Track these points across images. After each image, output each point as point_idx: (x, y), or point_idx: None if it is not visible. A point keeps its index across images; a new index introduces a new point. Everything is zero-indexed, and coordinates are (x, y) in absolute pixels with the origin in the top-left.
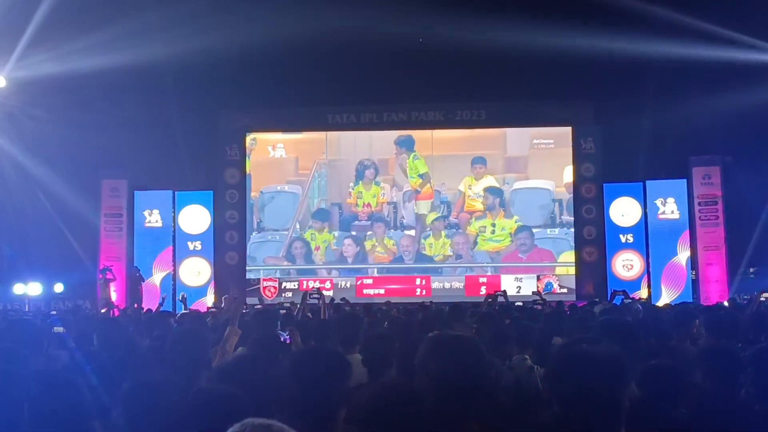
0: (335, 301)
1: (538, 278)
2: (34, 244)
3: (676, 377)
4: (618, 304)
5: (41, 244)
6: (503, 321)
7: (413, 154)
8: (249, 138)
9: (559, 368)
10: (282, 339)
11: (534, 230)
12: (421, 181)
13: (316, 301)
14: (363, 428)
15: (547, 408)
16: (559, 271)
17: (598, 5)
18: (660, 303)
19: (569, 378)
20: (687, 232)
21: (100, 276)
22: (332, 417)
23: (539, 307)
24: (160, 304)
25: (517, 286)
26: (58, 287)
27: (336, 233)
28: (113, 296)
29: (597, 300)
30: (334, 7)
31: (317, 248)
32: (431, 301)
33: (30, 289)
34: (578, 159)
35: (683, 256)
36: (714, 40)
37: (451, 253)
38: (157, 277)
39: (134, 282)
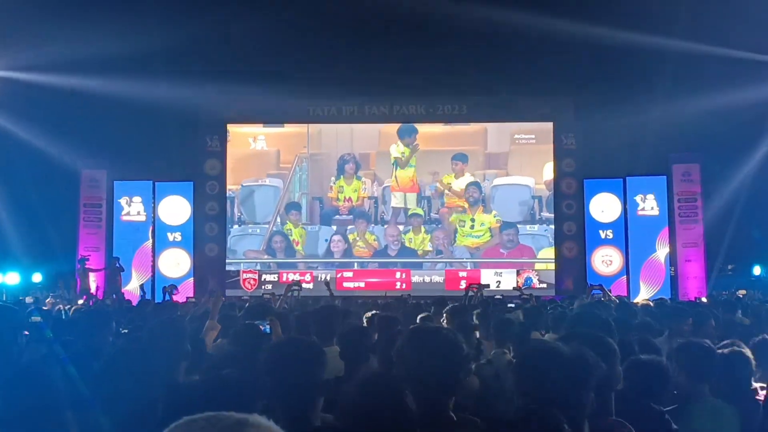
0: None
1: (518, 273)
2: (12, 234)
3: (659, 372)
4: (597, 297)
5: (19, 234)
6: (470, 313)
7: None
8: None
9: (524, 364)
10: (262, 329)
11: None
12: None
13: (296, 294)
14: (347, 420)
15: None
16: (538, 266)
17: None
18: (638, 299)
19: (532, 373)
20: (666, 229)
21: (79, 266)
22: (309, 406)
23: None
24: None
25: (497, 280)
26: (37, 277)
27: (309, 228)
28: (92, 286)
29: (574, 296)
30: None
31: (296, 242)
32: (409, 295)
33: (8, 278)
34: (559, 154)
35: (662, 252)
36: (696, 37)
37: (431, 249)
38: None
39: (113, 272)
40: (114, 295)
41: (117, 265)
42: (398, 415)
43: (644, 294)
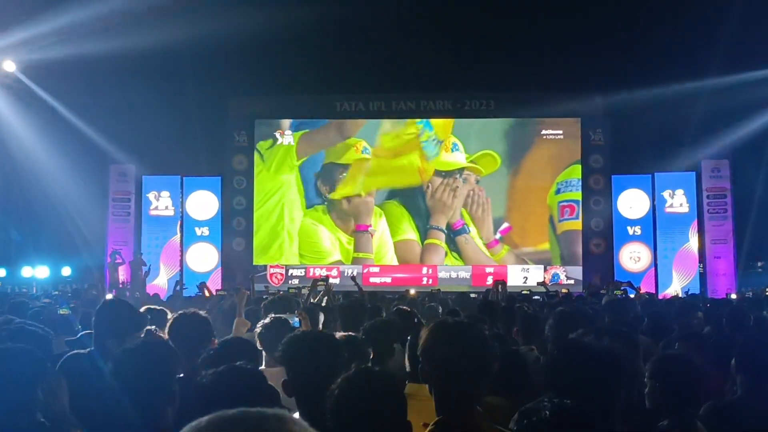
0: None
1: (545, 269)
2: (42, 228)
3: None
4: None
5: (49, 229)
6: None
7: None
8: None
9: (558, 360)
10: (291, 323)
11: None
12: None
13: (323, 289)
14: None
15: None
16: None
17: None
18: (670, 290)
19: (567, 370)
20: (696, 222)
21: (109, 260)
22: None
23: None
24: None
25: (524, 276)
26: (66, 271)
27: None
28: (121, 279)
29: (604, 291)
30: None
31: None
32: (438, 289)
33: (38, 272)
34: (587, 150)
35: (695, 243)
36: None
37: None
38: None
39: (136, 267)
40: (137, 293)
41: (139, 257)
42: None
43: (677, 285)
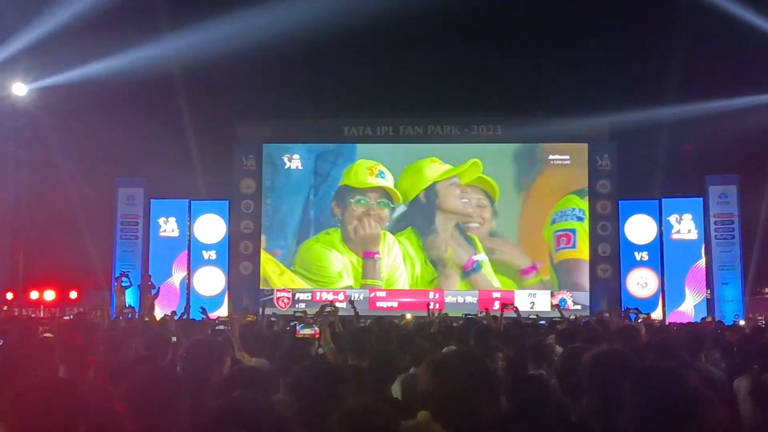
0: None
1: (552, 294)
2: (49, 251)
3: None
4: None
5: (56, 252)
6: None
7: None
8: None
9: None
10: (302, 333)
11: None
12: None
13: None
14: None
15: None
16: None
17: (615, 24)
18: (683, 307)
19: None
20: (704, 246)
21: (117, 282)
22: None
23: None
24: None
25: (531, 301)
26: (73, 294)
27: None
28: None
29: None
30: (353, 19)
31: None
32: (446, 313)
33: (45, 295)
34: (594, 175)
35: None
36: (732, 57)
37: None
38: (176, 278)
39: (145, 290)
40: (146, 317)
41: (149, 283)
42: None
43: (690, 302)
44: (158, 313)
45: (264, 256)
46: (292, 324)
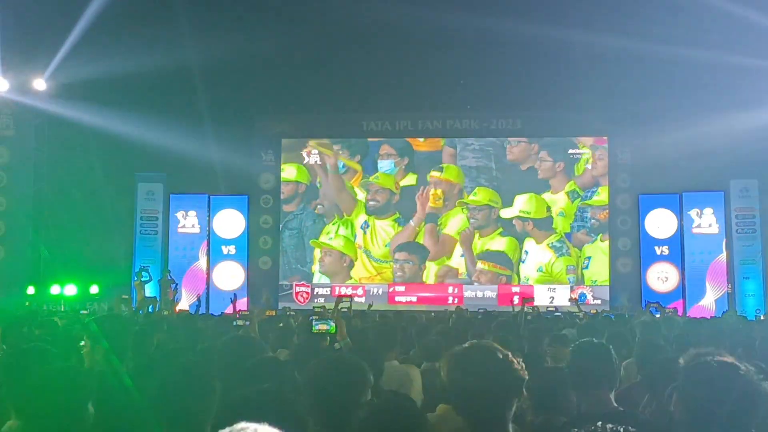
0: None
1: (572, 289)
2: (70, 245)
3: None
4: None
5: (77, 246)
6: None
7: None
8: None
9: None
10: (326, 328)
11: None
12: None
13: (346, 309)
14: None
15: None
16: (592, 281)
17: (640, 16)
18: (704, 302)
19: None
20: (725, 241)
21: (137, 277)
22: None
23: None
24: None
25: (551, 296)
26: (94, 289)
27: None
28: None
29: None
30: (371, 13)
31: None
32: (467, 308)
33: (66, 290)
34: (614, 170)
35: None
36: (754, 50)
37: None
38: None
39: (164, 285)
40: (165, 312)
41: (168, 277)
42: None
43: (710, 296)
44: (184, 300)
45: None
46: (310, 319)
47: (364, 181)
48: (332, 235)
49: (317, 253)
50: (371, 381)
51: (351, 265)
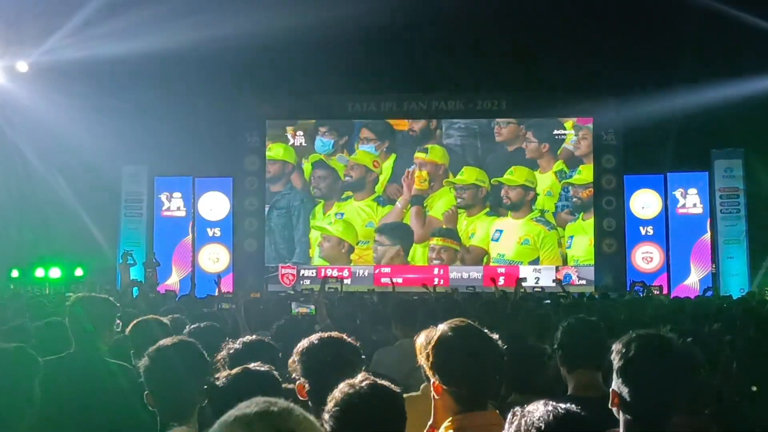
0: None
1: (557, 269)
2: (54, 228)
3: None
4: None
5: (62, 229)
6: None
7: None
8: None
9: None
10: (307, 311)
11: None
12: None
13: (334, 290)
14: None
15: None
16: (574, 261)
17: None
18: (688, 281)
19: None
20: (709, 221)
21: (122, 259)
22: None
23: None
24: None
25: (536, 277)
26: (79, 271)
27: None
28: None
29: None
30: None
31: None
32: (455, 288)
33: (51, 273)
34: (599, 150)
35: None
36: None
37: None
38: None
39: (149, 267)
40: (150, 294)
41: (153, 260)
42: None
43: (694, 276)
44: (174, 275)
45: None
46: (288, 302)
47: (340, 155)
48: (332, 220)
49: (314, 234)
50: (363, 362)
51: (351, 251)
